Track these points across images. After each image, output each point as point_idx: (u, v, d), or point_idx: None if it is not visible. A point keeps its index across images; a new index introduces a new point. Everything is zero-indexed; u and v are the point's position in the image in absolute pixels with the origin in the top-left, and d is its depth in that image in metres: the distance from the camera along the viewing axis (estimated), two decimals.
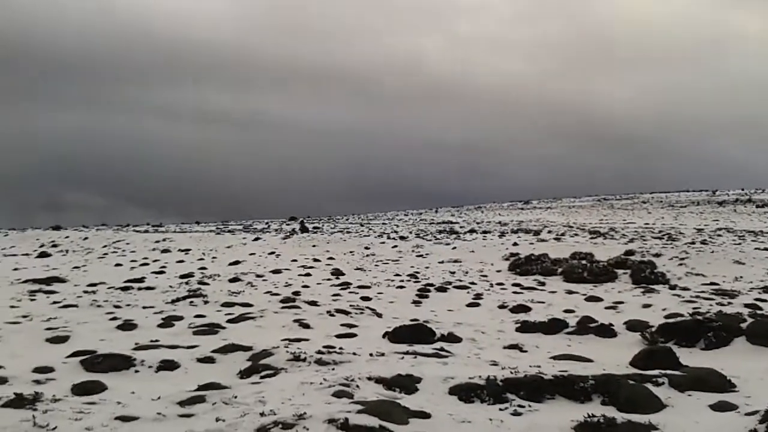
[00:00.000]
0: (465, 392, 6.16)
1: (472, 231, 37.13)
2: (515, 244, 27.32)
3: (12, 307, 12.08)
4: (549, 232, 34.73)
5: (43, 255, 28.06)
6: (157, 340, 8.95)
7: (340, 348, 8.29)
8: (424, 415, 5.43)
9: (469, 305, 13.92)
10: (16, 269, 21.56)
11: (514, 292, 15.93)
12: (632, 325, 10.61)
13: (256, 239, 32.57)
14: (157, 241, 32.83)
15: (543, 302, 14.08)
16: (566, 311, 12.62)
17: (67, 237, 37.28)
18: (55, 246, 33.15)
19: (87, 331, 9.75)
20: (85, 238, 36.16)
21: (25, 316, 11.01)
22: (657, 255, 21.81)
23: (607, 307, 13.41)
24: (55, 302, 12.72)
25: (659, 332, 9.59)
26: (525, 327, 10.86)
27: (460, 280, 17.95)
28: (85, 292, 14.42)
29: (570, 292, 15.84)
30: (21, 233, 40.66)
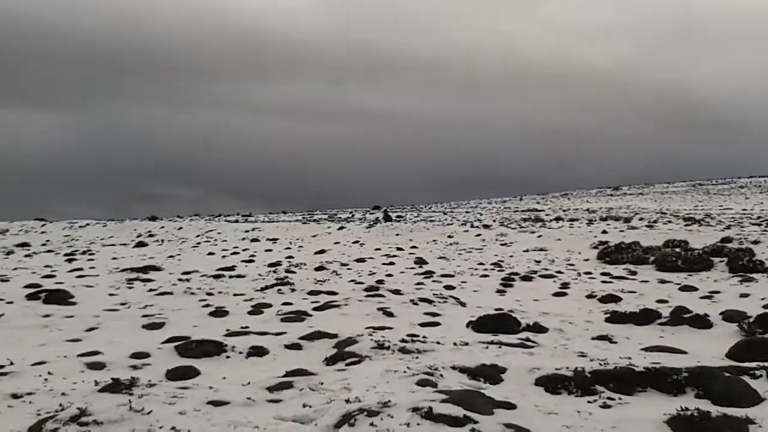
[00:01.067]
0: (551, 383, 6.04)
1: (558, 219, 36.36)
2: (604, 231, 26.60)
3: (111, 295, 12.72)
4: (640, 219, 33.60)
5: (141, 245, 29.42)
6: (247, 327, 9.22)
7: (424, 337, 8.29)
8: (509, 406, 5.36)
9: (556, 295, 13.65)
10: (114, 258, 22.69)
11: (603, 282, 15.50)
12: (729, 316, 10.11)
13: (341, 228, 33.05)
14: (247, 231, 33.85)
15: (634, 292, 13.64)
16: (659, 301, 12.17)
17: (162, 227, 38.96)
18: (151, 236, 34.71)
19: (181, 317, 10.16)
20: (180, 228, 37.67)
21: (123, 304, 11.58)
22: (755, 242, 20.72)
23: (702, 297, 12.85)
24: (151, 290, 13.30)
25: (758, 323, 9.10)
26: (615, 317, 10.54)
27: (546, 269, 17.62)
28: (180, 280, 15.01)
29: (663, 282, 15.28)
30: (119, 224, 42.79)
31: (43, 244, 33.37)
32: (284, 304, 11.46)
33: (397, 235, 29.26)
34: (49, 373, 6.36)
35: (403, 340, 7.81)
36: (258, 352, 7.61)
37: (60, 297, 11.53)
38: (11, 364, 6.75)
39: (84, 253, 25.31)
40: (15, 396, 5.49)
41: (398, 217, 41.58)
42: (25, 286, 13.03)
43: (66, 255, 24.07)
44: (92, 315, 10.15)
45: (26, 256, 24.30)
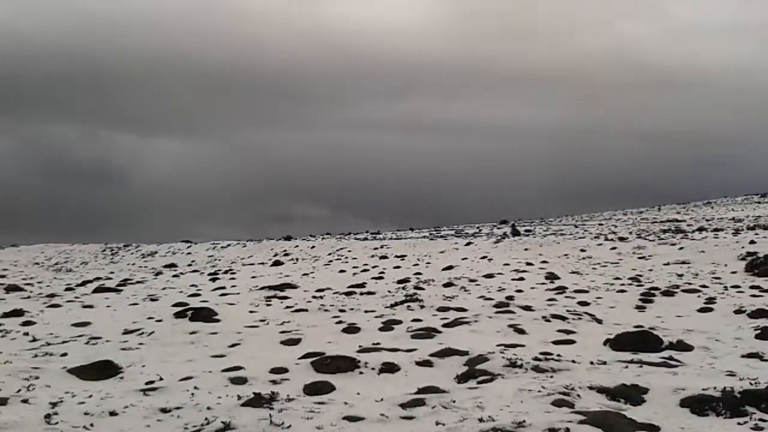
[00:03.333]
0: (698, 404, 5.72)
1: (701, 229, 34.29)
2: (752, 242, 24.75)
3: (251, 312, 13.31)
4: None
5: (277, 263, 30.63)
6: (378, 343, 9.37)
7: (558, 355, 8.07)
8: (653, 428, 5.12)
9: (701, 310, 12.87)
10: (253, 277, 23.72)
11: (753, 295, 14.42)
12: None
13: (468, 244, 32.83)
14: (376, 248, 34.39)
15: None
16: None
17: (296, 246, 40.39)
18: (286, 255, 36.07)
19: (316, 333, 10.48)
20: (312, 247, 38.90)
21: (262, 320, 12.09)
22: None
23: None
24: (288, 307, 13.80)
25: None
26: (766, 333, 9.80)
27: (689, 283, 16.64)
28: (314, 297, 15.47)
29: None
30: (257, 244, 44.78)
31: (189, 265, 35.53)
32: (414, 320, 11.54)
33: (526, 249, 28.65)
34: (195, 387, 6.77)
35: (536, 358, 7.66)
36: (390, 368, 7.72)
37: (205, 315, 12.22)
38: (161, 379, 7.25)
39: (226, 272, 26.65)
40: (164, 410, 5.89)
41: (526, 231, 40.79)
42: (173, 305, 13.90)
43: (210, 274, 25.42)
44: (234, 331, 10.68)
45: (173, 276, 25.93)
